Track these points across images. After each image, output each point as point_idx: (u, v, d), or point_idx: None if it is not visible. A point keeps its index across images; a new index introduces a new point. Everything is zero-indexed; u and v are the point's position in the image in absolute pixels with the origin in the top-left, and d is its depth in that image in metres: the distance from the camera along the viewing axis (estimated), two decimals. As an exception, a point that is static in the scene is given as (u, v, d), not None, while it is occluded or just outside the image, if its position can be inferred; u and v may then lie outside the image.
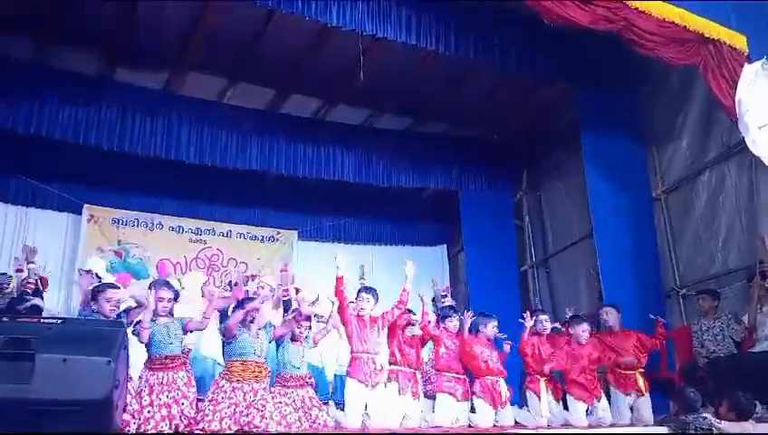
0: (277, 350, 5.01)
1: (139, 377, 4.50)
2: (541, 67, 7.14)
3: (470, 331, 5.72)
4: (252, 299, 4.85)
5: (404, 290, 5.41)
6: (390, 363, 5.40)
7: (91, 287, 4.84)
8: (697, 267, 6.94)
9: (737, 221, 6.43)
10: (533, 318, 6.04)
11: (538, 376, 5.82)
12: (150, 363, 4.51)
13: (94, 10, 6.67)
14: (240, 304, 4.75)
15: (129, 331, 4.64)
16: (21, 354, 3.14)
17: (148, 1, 6.57)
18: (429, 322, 5.66)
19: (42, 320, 3.70)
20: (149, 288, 4.73)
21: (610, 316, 6.11)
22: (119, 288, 4.70)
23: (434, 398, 5.60)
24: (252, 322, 4.66)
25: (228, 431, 4.26)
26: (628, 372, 5.90)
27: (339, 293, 5.09)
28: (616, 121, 7.30)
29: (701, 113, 6.90)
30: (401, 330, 5.52)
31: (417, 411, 5.41)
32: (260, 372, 4.54)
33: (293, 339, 4.98)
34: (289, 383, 4.86)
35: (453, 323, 5.79)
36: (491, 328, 5.82)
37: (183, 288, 6.03)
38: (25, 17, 6.76)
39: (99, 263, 6.08)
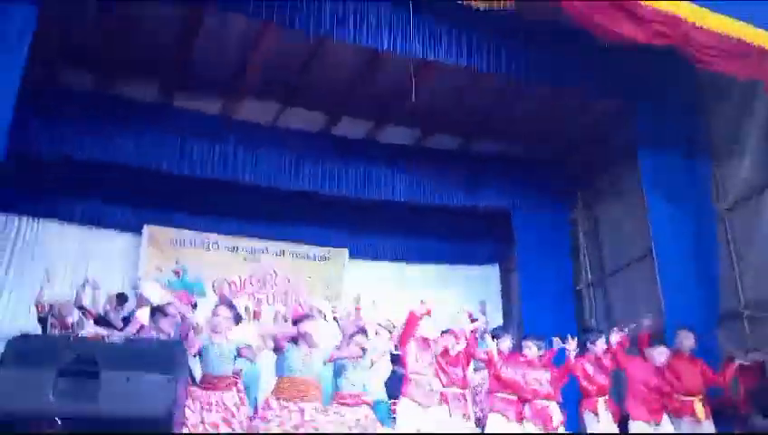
0: (335, 371, 5.00)
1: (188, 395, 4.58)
2: (595, 83, 7.05)
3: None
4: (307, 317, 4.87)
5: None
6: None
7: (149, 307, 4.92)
8: (762, 287, 6.66)
9: (805, 239, 6.16)
10: (587, 342, 5.91)
11: (595, 397, 5.67)
12: (202, 382, 4.57)
13: (153, 41, 6.99)
14: (294, 322, 4.79)
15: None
16: (86, 372, 3.26)
17: (206, 30, 6.80)
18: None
19: (105, 339, 3.84)
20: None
21: (688, 341, 5.90)
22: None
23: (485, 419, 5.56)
24: (302, 340, 4.68)
25: None
26: (685, 398, 5.69)
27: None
28: (675, 137, 7.11)
29: (764, 128, 6.66)
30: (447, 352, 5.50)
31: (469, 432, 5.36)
32: (307, 391, 4.51)
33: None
34: (348, 401, 4.80)
35: (506, 343, 5.74)
36: (527, 349, 5.72)
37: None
38: (89, 50, 7.14)
39: (154, 290, 5.90)
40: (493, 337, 5.96)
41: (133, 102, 7.85)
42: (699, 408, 5.60)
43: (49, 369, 3.23)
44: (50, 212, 8.50)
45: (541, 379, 5.58)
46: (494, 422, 5.39)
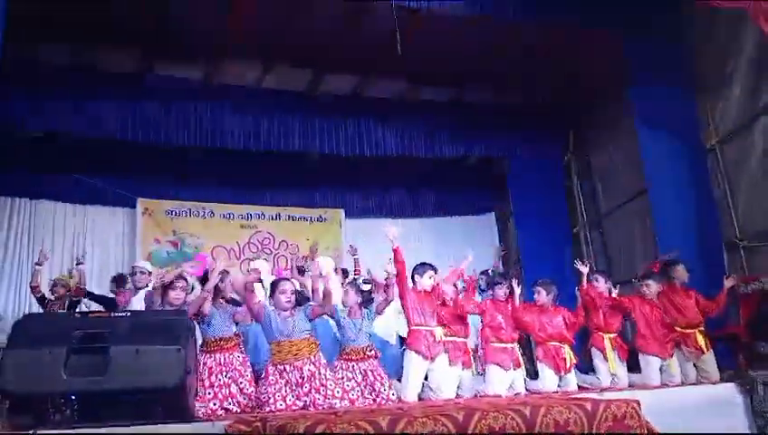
0: (338, 326, 5.09)
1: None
2: (583, 20, 6.95)
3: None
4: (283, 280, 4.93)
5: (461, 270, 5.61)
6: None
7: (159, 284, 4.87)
8: (757, 217, 6.70)
9: (797, 167, 6.17)
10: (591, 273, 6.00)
11: (602, 334, 5.76)
12: (206, 347, 4.68)
13: (127, 9, 6.80)
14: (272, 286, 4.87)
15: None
16: (96, 348, 3.29)
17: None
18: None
19: (111, 314, 3.87)
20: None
21: (681, 274, 5.95)
22: (186, 281, 4.81)
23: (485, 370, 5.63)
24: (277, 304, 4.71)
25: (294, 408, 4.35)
26: (687, 331, 5.77)
27: (399, 264, 5.15)
28: (664, 72, 7.02)
29: (752, 58, 6.58)
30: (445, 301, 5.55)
31: (470, 382, 5.48)
32: (299, 350, 4.54)
33: (349, 314, 5.05)
34: (351, 357, 4.92)
35: (502, 290, 5.79)
36: (544, 295, 5.80)
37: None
38: (63, 23, 6.89)
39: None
40: (493, 285, 6.06)
41: (112, 74, 7.69)
42: (701, 339, 5.68)
43: (59, 347, 3.26)
44: (43, 193, 8.50)
45: (553, 322, 5.68)
46: (493, 373, 5.47)
